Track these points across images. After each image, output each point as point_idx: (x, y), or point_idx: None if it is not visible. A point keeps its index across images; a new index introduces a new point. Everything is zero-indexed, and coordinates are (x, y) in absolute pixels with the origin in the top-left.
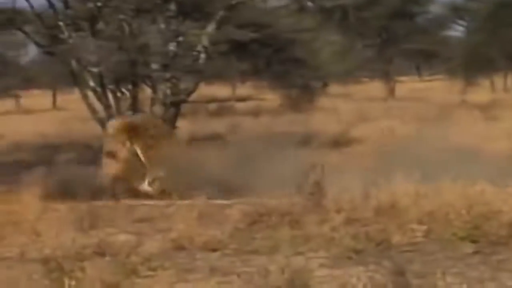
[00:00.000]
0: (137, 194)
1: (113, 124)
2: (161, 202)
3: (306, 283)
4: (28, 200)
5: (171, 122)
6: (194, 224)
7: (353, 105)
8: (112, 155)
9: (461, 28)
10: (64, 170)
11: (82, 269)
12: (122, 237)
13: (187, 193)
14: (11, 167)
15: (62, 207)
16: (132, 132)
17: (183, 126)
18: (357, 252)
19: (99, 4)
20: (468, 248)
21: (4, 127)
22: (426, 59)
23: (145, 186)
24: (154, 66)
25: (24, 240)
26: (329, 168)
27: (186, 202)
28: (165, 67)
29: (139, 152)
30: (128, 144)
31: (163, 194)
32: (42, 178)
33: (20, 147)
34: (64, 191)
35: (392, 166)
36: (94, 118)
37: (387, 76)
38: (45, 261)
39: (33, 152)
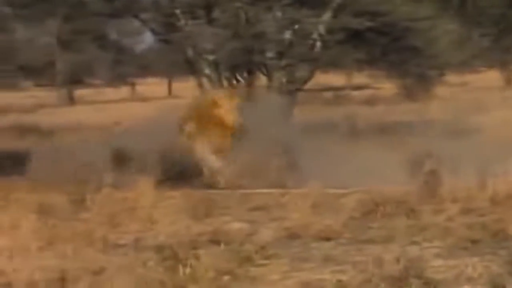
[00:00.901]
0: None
1: None
2: (276, 191)
3: (421, 273)
4: (143, 187)
5: (287, 110)
6: (308, 213)
7: (470, 95)
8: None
9: None
10: (178, 157)
11: (197, 257)
12: (236, 225)
13: (300, 181)
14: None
15: (176, 195)
16: None
17: (299, 114)
18: (473, 242)
19: None
20: None
21: (120, 114)
22: None
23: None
24: (270, 54)
25: (139, 228)
26: (445, 158)
27: (301, 190)
28: (280, 55)
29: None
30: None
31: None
32: (157, 165)
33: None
34: (179, 179)
35: (509, 156)
36: None
37: (504, 65)
38: (159, 248)
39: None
